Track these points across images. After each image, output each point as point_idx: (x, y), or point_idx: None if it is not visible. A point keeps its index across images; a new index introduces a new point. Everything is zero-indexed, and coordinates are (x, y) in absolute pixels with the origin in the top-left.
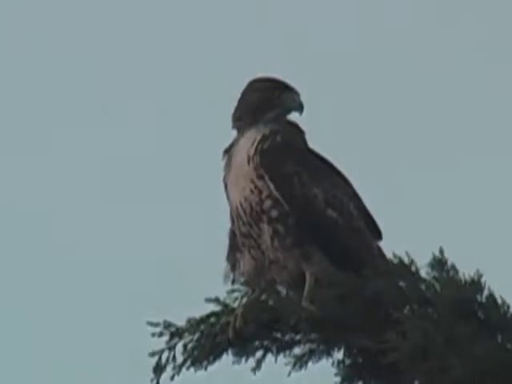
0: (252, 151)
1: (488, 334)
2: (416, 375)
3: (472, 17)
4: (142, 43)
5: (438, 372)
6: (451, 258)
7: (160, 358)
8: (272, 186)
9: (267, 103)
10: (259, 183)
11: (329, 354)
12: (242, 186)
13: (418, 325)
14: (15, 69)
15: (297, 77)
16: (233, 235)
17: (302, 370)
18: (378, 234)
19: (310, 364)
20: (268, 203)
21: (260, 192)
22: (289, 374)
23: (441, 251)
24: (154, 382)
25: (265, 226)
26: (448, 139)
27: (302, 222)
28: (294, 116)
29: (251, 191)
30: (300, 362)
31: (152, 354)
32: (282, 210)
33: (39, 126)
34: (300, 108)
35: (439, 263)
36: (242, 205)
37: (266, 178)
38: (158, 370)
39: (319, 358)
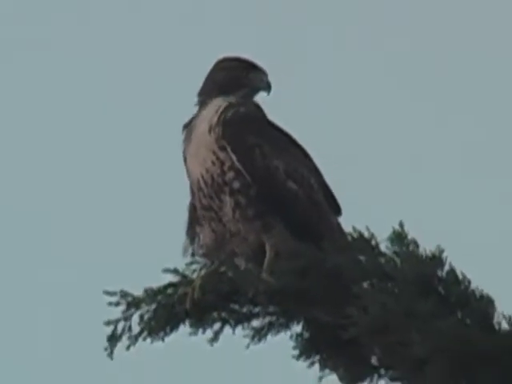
0: (215, 120)
1: (448, 309)
2: (375, 349)
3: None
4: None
5: (398, 346)
6: (412, 232)
7: (115, 328)
8: (234, 158)
9: (235, 82)
10: (221, 155)
11: (288, 327)
12: (202, 157)
13: (378, 299)
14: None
15: (265, 57)
16: (193, 209)
17: (261, 343)
18: (337, 210)
19: (269, 337)
20: (230, 175)
21: (222, 163)
22: (247, 347)
23: (401, 225)
24: (108, 351)
25: (226, 198)
26: (409, 112)
27: (263, 193)
28: (261, 96)
29: (213, 163)
30: (259, 334)
31: (107, 323)
32: (244, 182)
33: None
34: (268, 88)
35: (399, 237)
36: (203, 177)
37: (229, 149)
38: (114, 339)
39: (278, 331)
